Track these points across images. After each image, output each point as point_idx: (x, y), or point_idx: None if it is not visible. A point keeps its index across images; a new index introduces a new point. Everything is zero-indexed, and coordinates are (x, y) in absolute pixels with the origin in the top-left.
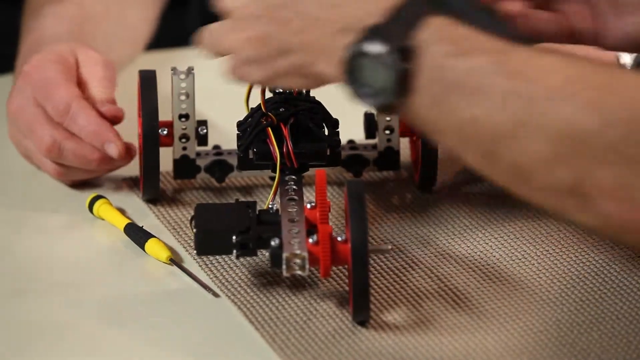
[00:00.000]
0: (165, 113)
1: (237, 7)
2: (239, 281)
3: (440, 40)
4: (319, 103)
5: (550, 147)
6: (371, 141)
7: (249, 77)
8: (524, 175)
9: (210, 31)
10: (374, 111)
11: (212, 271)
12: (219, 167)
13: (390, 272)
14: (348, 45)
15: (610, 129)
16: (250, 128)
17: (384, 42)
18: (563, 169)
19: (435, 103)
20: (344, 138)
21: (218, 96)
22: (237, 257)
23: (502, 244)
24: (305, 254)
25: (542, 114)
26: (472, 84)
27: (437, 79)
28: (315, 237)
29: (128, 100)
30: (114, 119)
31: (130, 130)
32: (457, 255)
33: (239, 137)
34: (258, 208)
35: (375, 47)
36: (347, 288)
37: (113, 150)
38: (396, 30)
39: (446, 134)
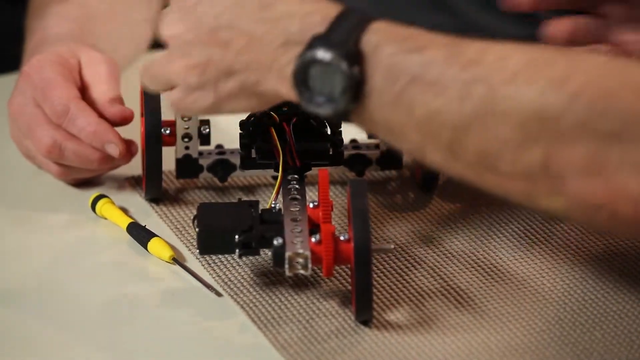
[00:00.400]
0: (167, 112)
1: (173, 35)
2: (242, 280)
3: (388, 40)
4: None
5: (518, 130)
6: (374, 140)
7: (195, 107)
8: (491, 162)
9: (148, 65)
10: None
11: (214, 270)
12: (222, 166)
13: (393, 272)
14: (295, 57)
15: (577, 107)
16: (253, 127)
17: (332, 49)
18: (532, 151)
19: (393, 102)
20: (346, 137)
21: None
22: (240, 256)
23: (505, 243)
24: (308, 253)
25: (505, 99)
26: (429, 77)
27: (393, 77)
28: (317, 236)
29: (131, 100)
30: (124, 120)
31: (133, 129)
32: (459, 255)
33: (241, 137)
34: (260, 207)
35: (323, 55)
36: (349, 287)
37: (114, 150)
38: (342, 37)
39: (406, 133)
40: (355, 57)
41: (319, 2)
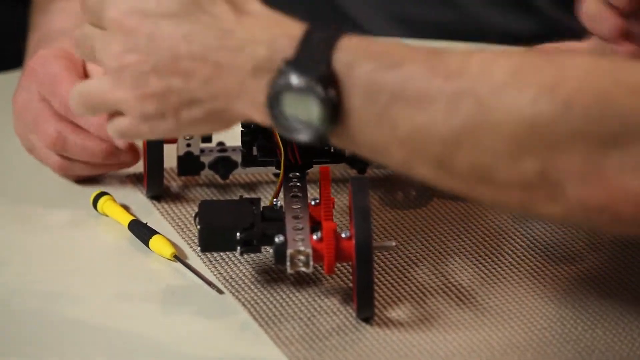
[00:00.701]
0: None
1: (122, 65)
2: (243, 278)
3: (363, 58)
4: None
5: (511, 140)
6: None
7: (151, 134)
8: (485, 175)
9: (82, 91)
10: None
11: (216, 268)
12: (223, 163)
13: (395, 269)
14: (267, 84)
15: (571, 114)
16: (255, 125)
17: (303, 74)
18: (528, 161)
19: (375, 121)
20: None
21: None
22: (241, 253)
23: (507, 240)
24: (310, 251)
25: (495, 110)
26: (411, 92)
27: (372, 96)
28: (319, 233)
29: None
30: None
31: None
32: (461, 252)
33: (243, 134)
34: (262, 205)
35: (296, 81)
36: (351, 284)
37: (121, 141)
38: (313, 59)
39: (391, 151)
40: (329, 79)
41: (280, 25)
